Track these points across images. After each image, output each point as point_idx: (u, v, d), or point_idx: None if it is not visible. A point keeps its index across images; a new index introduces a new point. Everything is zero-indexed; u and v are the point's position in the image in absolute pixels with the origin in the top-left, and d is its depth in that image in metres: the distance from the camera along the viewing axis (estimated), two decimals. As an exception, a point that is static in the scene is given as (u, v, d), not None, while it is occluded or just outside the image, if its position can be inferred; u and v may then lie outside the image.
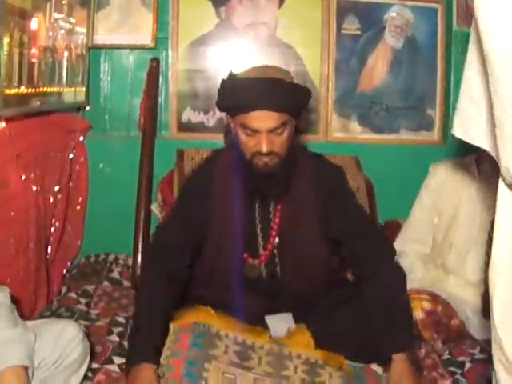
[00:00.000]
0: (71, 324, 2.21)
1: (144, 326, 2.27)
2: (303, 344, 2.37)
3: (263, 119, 2.32)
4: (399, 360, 2.30)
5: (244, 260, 2.57)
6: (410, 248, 3.06)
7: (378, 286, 2.44)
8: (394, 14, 3.69)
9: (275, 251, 2.58)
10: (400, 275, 2.54)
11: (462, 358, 2.57)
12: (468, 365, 2.52)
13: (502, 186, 1.30)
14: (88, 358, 2.24)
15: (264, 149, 2.33)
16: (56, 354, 2.08)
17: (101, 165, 3.70)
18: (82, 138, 3.56)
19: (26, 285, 2.83)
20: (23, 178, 2.79)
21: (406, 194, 3.23)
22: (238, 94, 2.36)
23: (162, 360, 2.18)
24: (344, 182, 2.72)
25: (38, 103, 2.97)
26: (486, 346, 2.58)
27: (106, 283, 3.28)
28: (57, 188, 3.24)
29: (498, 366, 1.38)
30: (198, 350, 2.20)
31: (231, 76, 2.45)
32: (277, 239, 2.57)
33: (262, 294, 2.56)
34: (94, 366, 2.40)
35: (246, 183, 2.48)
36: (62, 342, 2.10)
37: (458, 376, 2.46)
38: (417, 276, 2.97)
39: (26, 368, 1.88)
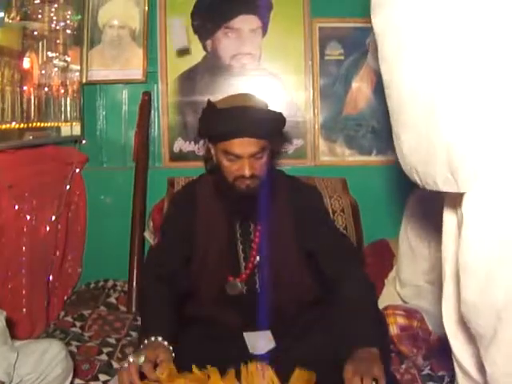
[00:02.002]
0: (54, 342, 2.33)
1: (151, 317, 2.44)
2: None
3: (245, 146, 2.47)
4: (360, 350, 2.24)
5: (226, 278, 2.68)
6: (423, 280, 3.05)
7: (344, 297, 2.47)
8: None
9: (255, 270, 2.69)
10: (366, 287, 2.56)
11: (442, 373, 2.60)
12: (447, 379, 2.54)
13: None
14: (71, 375, 2.35)
15: (247, 173, 2.47)
16: (39, 370, 2.18)
17: (101, 196, 3.82)
18: (78, 170, 3.70)
19: (17, 308, 2.95)
20: (16, 207, 2.93)
21: (393, 215, 3.29)
22: (220, 124, 2.50)
23: None
24: (319, 200, 2.86)
25: (31, 137, 3.12)
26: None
27: (102, 308, 3.38)
28: (53, 218, 3.36)
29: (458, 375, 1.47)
30: None
31: (210, 105, 2.59)
32: (257, 258, 2.68)
33: (243, 310, 2.64)
34: (79, 382, 2.50)
35: (228, 204, 2.62)
36: (45, 359, 2.21)
37: (434, 391, 2.49)
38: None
39: (1, 383, 1.98)
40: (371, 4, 1.35)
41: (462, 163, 1.19)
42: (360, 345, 2.24)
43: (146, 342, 2.26)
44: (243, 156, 2.47)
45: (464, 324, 1.39)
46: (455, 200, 1.38)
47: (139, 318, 3.23)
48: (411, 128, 1.30)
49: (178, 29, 3.75)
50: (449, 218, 1.47)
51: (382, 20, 1.33)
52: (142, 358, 2.11)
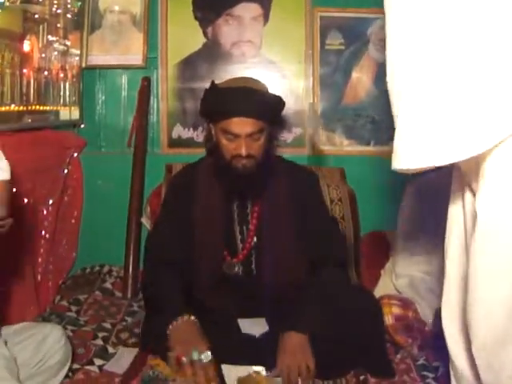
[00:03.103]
0: (55, 328, 2.34)
1: (166, 300, 2.58)
2: None
3: (243, 124, 2.56)
4: (290, 334, 2.45)
5: (224, 258, 2.75)
6: (417, 270, 3.08)
7: (314, 283, 2.65)
8: (377, 28, 3.74)
9: (252, 251, 2.76)
10: (338, 277, 2.75)
11: (436, 363, 2.61)
12: (441, 369, 2.53)
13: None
14: (69, 361, 2.36)
15: (243, 152, 2.55)
16: (39, 356, 2.20)
17: (98, 181, 3.82)
18: (76, 155, 3.69)
19: (13, 291, 2.96)
20: (14, 190, 2.92)
21: (390, 206, 3.29)
22: (220, 102, 2.60)
23: None
24: (317, 187, 2.95)
25: (30, 120, 3.11)
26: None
27: (97, 293, 3.38)
28: (51, 201, 3.36)
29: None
30: None
31: (213, 86, 2.69)
32: (255, 239, 2.76)
33: (239, 293, 2.70)
34: (75, 366, 2.49)
35: (225, 184, 2.70)
36: (45, 345, 2.23)
37: (429, 380, 2.50)
38: (436, 293, 2.98)
39: None
40: None
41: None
42: (289, 329, 2.47)
43: (178, 320, 2.44)
44: (241, 135, 2.55)
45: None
46: (462, 194, 1.39)
47: (135, 304, 3.30)
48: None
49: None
50: (455, 212, 1.46)
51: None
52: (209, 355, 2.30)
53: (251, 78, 2.75)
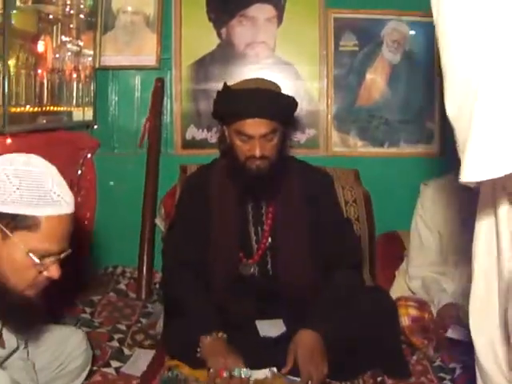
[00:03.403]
0: (76, 332, 2.31)
1: (192, 306, 2.59)
2: None
3: (257, 126, 2.56)
4: (303, 332, 2.45)
5: (239, 259, 2.74)
6: (431, 271, 3.07)
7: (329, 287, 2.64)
8: (390, 30, 3.75)
9: (267, 251, 2.75)
10: (352, 280, 2.74)
11: (453, 365, 2.62)
12: (458, 371, 2.56)
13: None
14: (89, 366, 2.33)
15: (257, 153, 2.56)
16: (60, 360, 2.17)
17: (111, 182, 3.81)
18: (89, 156, 3.69)
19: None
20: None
21: (405, 206, 3.28)
22: (234, 104, 2.60)
23: None
24: (331, 189, 2.93)
25: (44, 121, 3.11)
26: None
27: (111, 294, 3.39)
28: (64, 202, 3.34)
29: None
30: None
31: (226, 87, 2.69)
32: (269, 239, 2.75)
33: (255, 294, 2.70)
34: (93, 368, 2.47)
35: (240, 185, 2.69)
36: (66, 349, 2.20)
37: (446, 381, 2.51)
38: (449, 292, 2.98)
39: None
40: None
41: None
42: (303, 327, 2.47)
43: (212, 335, 2.45)
44: (254, 136, 2.55)
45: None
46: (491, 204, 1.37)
47: (149, 305, 3.29)
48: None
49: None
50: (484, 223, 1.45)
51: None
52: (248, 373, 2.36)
53: (264, 79, 2.74)
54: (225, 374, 2.31)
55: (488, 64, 1.13)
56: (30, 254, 1.66)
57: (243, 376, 2.32)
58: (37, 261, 1.68)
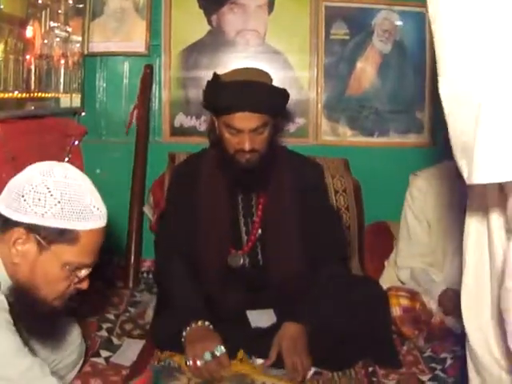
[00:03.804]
0: (74, 327, 2.28)
1: (180, 297, 2.55)
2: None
3: (246, 120, 2.51)
4: (287, 325, 2.45)
5: (228, 251, 2.73)
6: (419, 262, 3.07)
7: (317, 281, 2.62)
8: (381, 19, 3.73)
9: (257, 242, 2.74)
10: (340, 272, 2.74)
11: (444, 355, 2.64)
12: (449, 361, 2.58)
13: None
14: (81, 362, 2.32)
15: (246, 147, 2.52)
16: (55, 356, 2.13)
17: (98, 169, 3.77)
18: (77, 143, 3.63)
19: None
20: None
21: (394, 196, 3.27)
22: (223, 97, 2.54)
23: None
24: (321, 179, 2.92)
25: (33, 107, 3.07)
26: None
27: (98, 282, 3.34)
28: (52, 190, 3.29)
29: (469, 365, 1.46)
30: None
31: (215, 78, 2.62)
32: (259, 231, 2.74)
33: (245, 285, 2.70)
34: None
35: (229, 177, 2.66)
36: (63, 345, 2.17)
37: (438, 371, 2.52)
38: (439, 283, 2.97)
39: None
40: None
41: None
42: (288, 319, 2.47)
43: (193, 325, 2.42)
44: (244, 130, 2.51)
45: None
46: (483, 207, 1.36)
47: (137, 294, 3.25)
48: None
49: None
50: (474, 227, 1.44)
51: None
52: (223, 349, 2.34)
53: (256, 70, 2.70)
54: (198, 363, 2.30)
55: (492, 65, 1.12)
56: (67, 267, 1.66)
57: (218, 354, 2.31)
58: (71, 274, 1.68)
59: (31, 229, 1.61)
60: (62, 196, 1.61)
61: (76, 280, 1.71)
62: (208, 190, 2.71)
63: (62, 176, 1.65)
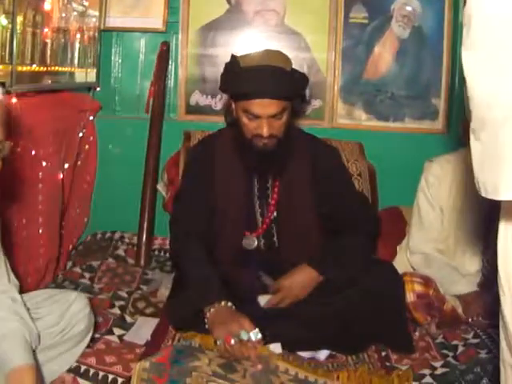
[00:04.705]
0: (79, 296, 2.28)
1: (199, 278, 2.53)
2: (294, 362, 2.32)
3: (265, 106, 2.48)
4: (301, 267, 2.56)
5: (243, 233, 2.72)
6: (432, 248, 3.08)
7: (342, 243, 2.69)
8: (400, 4, 3.70)
9: (272, 224, 2.73)
10: (365, 248, 2.78)
11: (455, 342, 2.64)
12: (461, 348, 2.57)
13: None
14: (91, 332, 2.33)
15: (265, 133, 2.50)
16: (62, 325, 2.16)
17: (110, 145, 3.76)
18: (91, 118, 3.62)
19: (34, 257, 2.91)
20: (33, 153, 2.86)
21: (408, 182, 3.27)
22: (242, 82, 2.51)
23: (143, 373, 2.08)
24: (338, 161, 2.93)
25: (50, 81, 3.06)
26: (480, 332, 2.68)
27: (110, 260, 3.35)
28: (66, 165, 3.29)
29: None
30: (179, 367, 2.11)
31: (234, 61, 2.58)
32: (275, 213, 2.73)
33: (260, 268, 2.68)
34: (95, 336, 2.47)
35: (246, 160, 2.66)
36: (69, 313, 2.18)
37: (449, 358, 2.51)
38: (460, 282, 2.97)
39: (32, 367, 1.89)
40: None
41: None
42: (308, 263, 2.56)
43: (216, 305, 2.39)
44: (263, 116, 2.49)
45: None
46: None
47: (149, 272, 3.25)
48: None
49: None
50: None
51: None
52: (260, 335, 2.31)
53: (275, 53, 2.64)
54: (232, 342, 2.25)
55: None
56: None
57: (253, 339, 2.28)
58: None
59: None
60: None
61: None
62: (224, 172, 2.70)
63: None
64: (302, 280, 2.56)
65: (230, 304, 2.41)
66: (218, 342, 2.29)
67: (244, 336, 2.27)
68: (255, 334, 2.29)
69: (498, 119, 1.11)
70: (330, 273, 2.57)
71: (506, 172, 1.10)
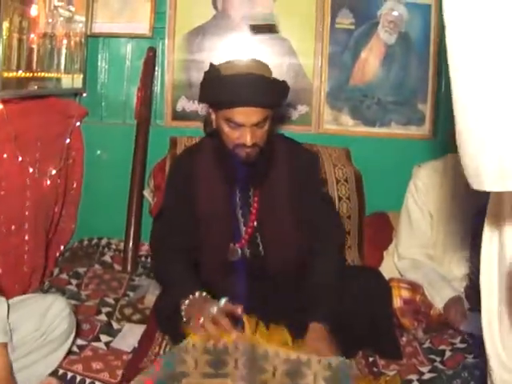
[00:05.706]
0: (58, 299, 2.31)
1: (177, 280, 2.54)
2: (281, 342, 2.25)
3: (249, 114, 2.44)
4: (315, 327, 2.40)
5: (227, 245, 2.69)
6: (421, 254, 3.10)
7: (316, 267, 2.61)
8: (387, 10, 3.72)
9: (257, 233, 2.69)
10: (337, 263, 2.70)
11: (442, 347, 2.65)
12: (448, 353, 2.59)
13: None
14: (74, 332, 2.33)
15: (248, 142, 2.46)
16: (43, 328, 2.17)
17: (98, 151, 3.75)
18: (78, 124, 3.61)
19: (18, 264, 2.89)
20: (20, 159, 2.85)
21: (394, 187, 3.29)
22: (224, 91, 2.45)
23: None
24: (316, 168, 2.90)
25: (36, 87, 3.04)
26: (467, 337, 2.69)
27: (97, 266, 3.34)
28: (53, 172, 3.28)
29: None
30: (168, 370, 2.07)
31: (214, 70, 2.53)
32: (255, 223, 2.69)
33: (245, 278, 2.65)
34: (82, 343, 2.48)
35: (228, 171, 2.62)
36: (48, 316, 2.19)
37: (437, 363, 2.53)
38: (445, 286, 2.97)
39: (4, 344, 1.95)
40: None
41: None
42: (312, 320, 2.41)
43: (190, 297, 2.37)
44: (245, 125, 2.45)
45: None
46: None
47: (136, 278, 3.25)
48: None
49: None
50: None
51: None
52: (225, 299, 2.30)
53: (256, 61, 2.60)
54: (202, 319, 2.23)
55: None
56: None
57: (221, 305, 2.27)
58: None
59: None
60: None
61: None
62: (206, 184, 2.67)
63: None
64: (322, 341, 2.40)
65: (204, 293, 2.39)
66: (190, 324, 2.27)
67: (212, 310, 2.26)
68: (222, 301, 2.29)
69: None
70: (330, 317, 2.48)
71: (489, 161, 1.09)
